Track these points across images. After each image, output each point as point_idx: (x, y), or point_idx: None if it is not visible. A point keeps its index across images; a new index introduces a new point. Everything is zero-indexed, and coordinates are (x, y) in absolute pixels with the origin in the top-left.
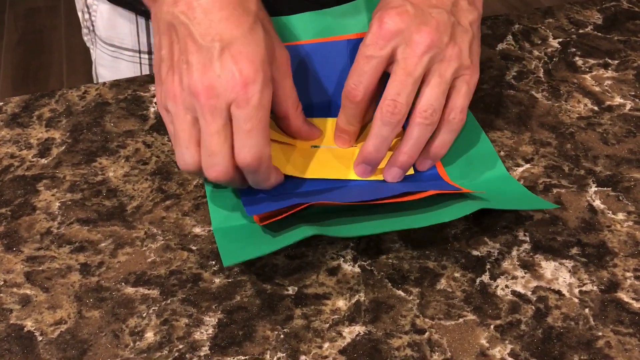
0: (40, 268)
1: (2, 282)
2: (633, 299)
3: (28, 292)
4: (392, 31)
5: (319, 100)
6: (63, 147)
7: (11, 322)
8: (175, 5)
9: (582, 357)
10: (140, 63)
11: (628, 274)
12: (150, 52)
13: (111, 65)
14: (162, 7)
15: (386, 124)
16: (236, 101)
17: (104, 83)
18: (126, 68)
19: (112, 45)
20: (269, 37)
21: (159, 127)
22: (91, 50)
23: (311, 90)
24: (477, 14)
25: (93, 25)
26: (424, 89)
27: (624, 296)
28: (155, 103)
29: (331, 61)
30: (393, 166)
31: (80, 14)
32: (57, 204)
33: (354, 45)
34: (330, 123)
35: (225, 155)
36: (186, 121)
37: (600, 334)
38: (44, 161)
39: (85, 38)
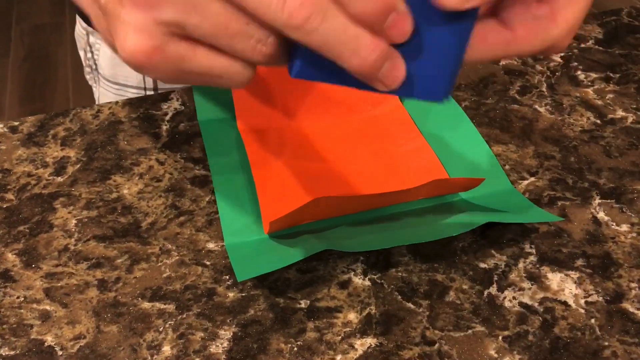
0: (59, 284)
1: (23, 299)
2: (638, 309)
3: (48, 307)
4: None
5: None
6: (78, 166)
7: (32, 337)
8: None
9: None
10: None
11: (633, 285)
12: (156, 89)
13: None
14: None
15: None
16: None
17: (117, 102)
18: None
19: (117, 84)
20: None
21: (172, 144)
22: (94, 89)
23: None
24: None
25: (96, 64)
26: None
27: (629, 306)
28: (167, 120)
29: None
30: None
31: (82, 53)
32: (74, 221)
33: None
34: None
35: None
36: None
37: (606, 343)
38: (60, 179)
39: (87, 77)
